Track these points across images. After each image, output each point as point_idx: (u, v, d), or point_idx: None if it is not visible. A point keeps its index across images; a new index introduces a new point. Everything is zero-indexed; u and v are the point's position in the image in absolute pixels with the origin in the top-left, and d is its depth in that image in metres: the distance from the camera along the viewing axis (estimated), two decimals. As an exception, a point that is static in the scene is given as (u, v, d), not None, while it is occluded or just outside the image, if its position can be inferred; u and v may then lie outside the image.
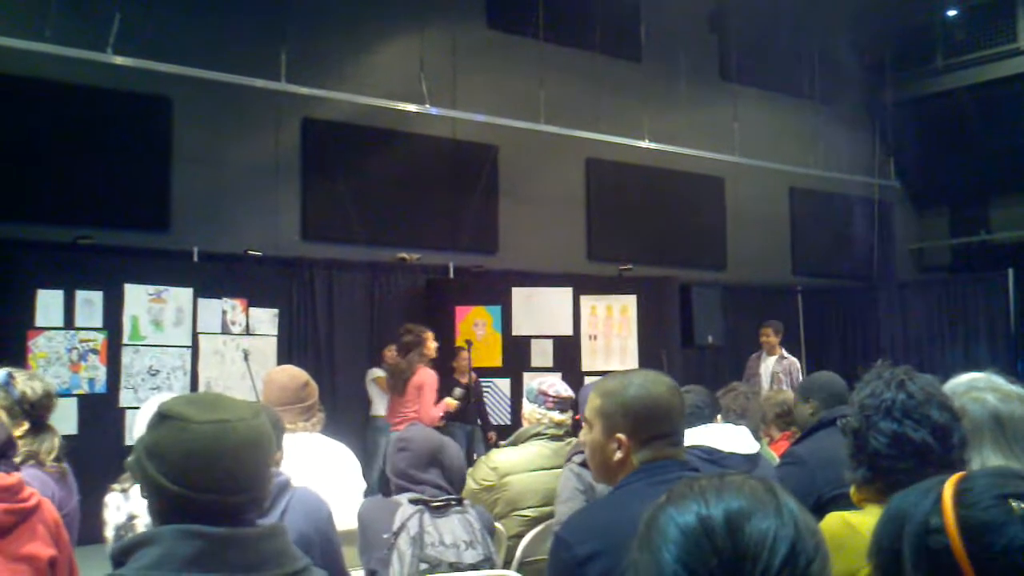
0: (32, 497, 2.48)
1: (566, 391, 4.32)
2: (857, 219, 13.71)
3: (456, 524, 3.18)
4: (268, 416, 2.91)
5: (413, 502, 3.19)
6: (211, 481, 1.63)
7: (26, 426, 3.18)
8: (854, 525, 2.05)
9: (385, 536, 3.12)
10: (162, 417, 1.68)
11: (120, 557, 1.62)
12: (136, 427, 3.47)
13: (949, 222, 15.09)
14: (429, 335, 7.46)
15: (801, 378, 9.42)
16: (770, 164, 12.32)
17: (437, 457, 3.32)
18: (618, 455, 2.20)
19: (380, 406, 9.12)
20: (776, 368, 9.63)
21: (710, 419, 3.47)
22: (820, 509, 2.32)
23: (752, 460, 3.22)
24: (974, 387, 2.50)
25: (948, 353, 12.30)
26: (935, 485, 1.28)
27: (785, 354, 9.77)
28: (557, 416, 4.18)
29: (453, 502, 3.24)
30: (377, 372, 9.24)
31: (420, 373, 7.32)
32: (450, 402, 7.55)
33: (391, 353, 9.06)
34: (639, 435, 2.19)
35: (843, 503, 2.21)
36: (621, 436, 2.19)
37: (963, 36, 13.57)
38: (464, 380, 8.30)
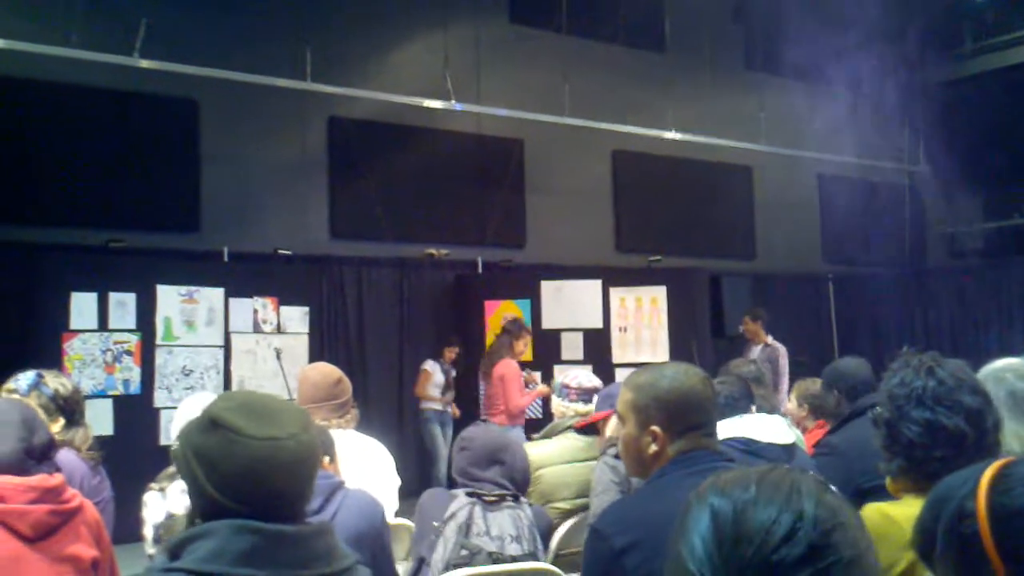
0: (75, 498, 2.51)
1: (589, 382, 4.33)
2: (887, 205, 13.57)
3: (506, 518, 3.23)
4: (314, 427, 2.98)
5: (469, 495, 3.26)
6: (259, 498, 1.64)
7: (62, 422, 3.27)
8: (892, 516, 2.02)
9: (436, 524, 3.17)
10: (213, 424, 1.67)
11: (175, 550, 1.63)
12: (173, 427, 3.52)
13: (981, 206, 14.89)
14: (527, 339, 7.70)
15: (785, 365, 9.17)
16: (798, 152, 12.23)
17: (498, 456, 3.36)
18: (653, 448, 2.19)
19: (428, 399, 9.31)
20: (760, 356, 9.17)
21: (746, 410, 3.44)
22: (858, 500, 2.30)
23: (789, 450, 3.20)
24: (1007, 369, 2.55)
25: (982, 339, 12.16)
26: (979, 470, 1.25)
27: (770, 341, 9.42)
28: (581, 408, 4.19)
29: (509, 498, 3.28)
30: (426, 364, 9.32)
31: (501, 364, 7.45)
32: (543, 388, 7.61)
33: (451, 354, 9.23)
34: (674, 427, 2.18)
35: (882, 494, 2.19)
36: (656, 429, 2.19)
37: (992, 19, 13.40)
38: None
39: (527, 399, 7.56)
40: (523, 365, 8.33)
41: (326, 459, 3.01)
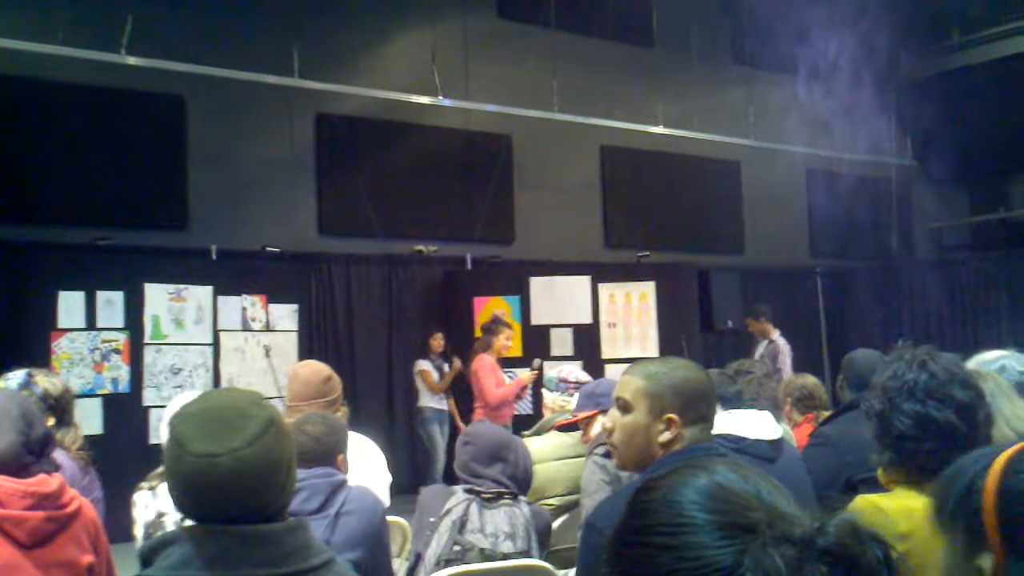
0: (72, 502, 2.48)
1: (586, 376, 4.38)
2: (875, 199, 13.61)
3: (501, 516, 3.24)
4: (327, 422, 2.98)
5: (467, 492, 3.27)
6: (199, 509, 1.67)
7: (52, 422, 3.24)
8: (883, 508, 2.03)
9: (432, 520, 3.19)
10: (170, 428, 1.71)
11: (147, 556, 1.64)
12: (163, 426, 3.51)
13: (968, 200, 14.97)
14: (507, 333, 7.56)
15: (788, 362, 9.21)
16: (786, 146, 12.25)
17: (500, 453, 3.36)
18: (665, 436, 2.18)
19: (426, 397, 9.28)
20: (763, 352, 9.29)
21: (733, 405, 3.44)
22: (849, 491, 2.30)
23: (776, 445, 3.20)
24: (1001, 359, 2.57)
25: (970, 332, 12.22)
26: (999, 449, 1.28)
27: (774, 338, 9.45)
28: None
29: (507, 496, 3.28)
30: (421, 365, 9.28)
31: (475, 361, 7.40)
32: (524, 376, 7.39)
33: (437, 343, 9.18)
34: (688, 415, 2.19)
35: (872, 485, 2.20)
36: (673, 416, 2.18)
37: (979, 12, 13.44)
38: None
39: (504, 391, 7.29)
40: (510, 362, 8.29)
41: (340, 456, 3.04)
